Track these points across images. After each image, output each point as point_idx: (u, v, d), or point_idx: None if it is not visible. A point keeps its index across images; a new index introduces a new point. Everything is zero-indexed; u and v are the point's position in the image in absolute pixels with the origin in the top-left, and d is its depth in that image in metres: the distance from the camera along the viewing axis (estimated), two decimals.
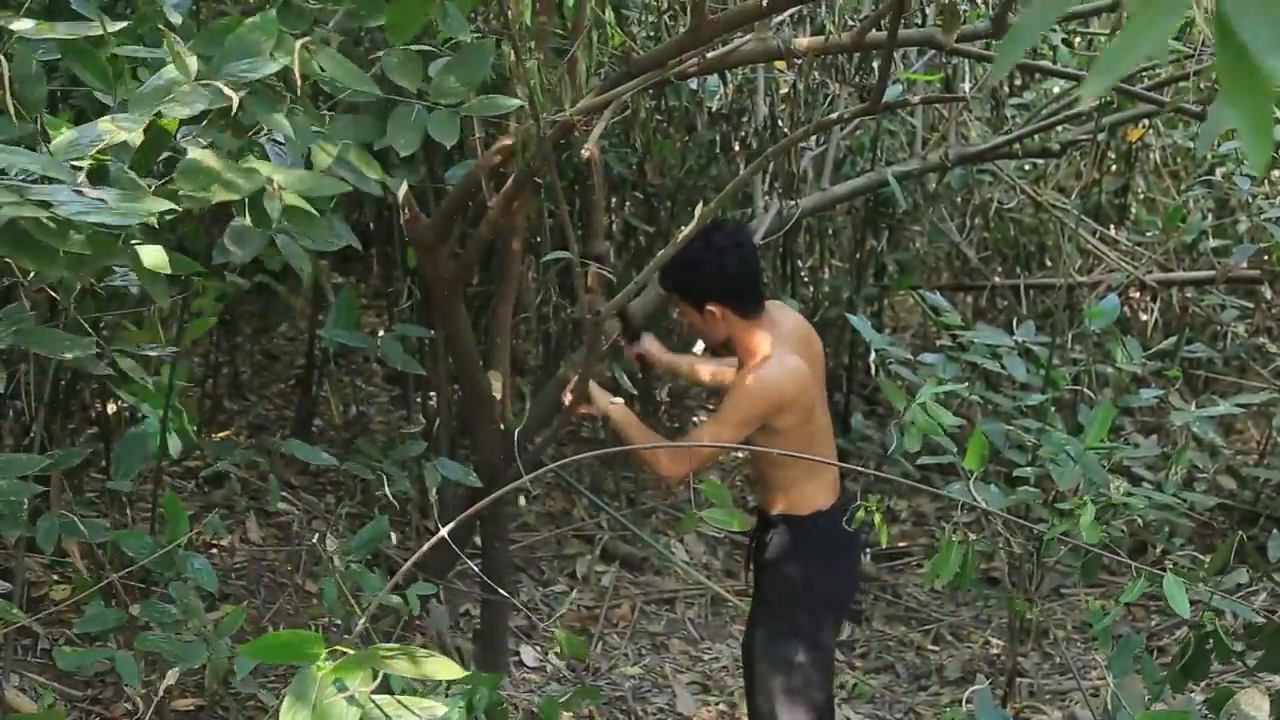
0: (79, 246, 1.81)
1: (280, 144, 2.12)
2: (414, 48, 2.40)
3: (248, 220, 1.90)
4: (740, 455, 3.30)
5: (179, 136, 1.93)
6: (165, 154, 2.02)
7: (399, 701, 1.61)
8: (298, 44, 2.03)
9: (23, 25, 2.05)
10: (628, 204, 5.46)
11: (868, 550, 3.52)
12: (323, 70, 2.12)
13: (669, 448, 3.21)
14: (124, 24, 2.18)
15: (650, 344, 3.55)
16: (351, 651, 1.69)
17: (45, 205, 1.76)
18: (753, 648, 3.31)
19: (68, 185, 1.80)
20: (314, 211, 1.97)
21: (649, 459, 3.19)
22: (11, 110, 1.99)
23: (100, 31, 2.10)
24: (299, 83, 2.02)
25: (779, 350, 3.10)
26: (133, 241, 1.96)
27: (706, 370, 3.51)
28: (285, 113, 2.01)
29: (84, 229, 1.80)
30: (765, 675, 3.24)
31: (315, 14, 2.27)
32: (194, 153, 1.90)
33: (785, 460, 3.12)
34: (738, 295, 3.11)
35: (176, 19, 2.15)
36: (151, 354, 2.86)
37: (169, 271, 2.01)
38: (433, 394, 4.84)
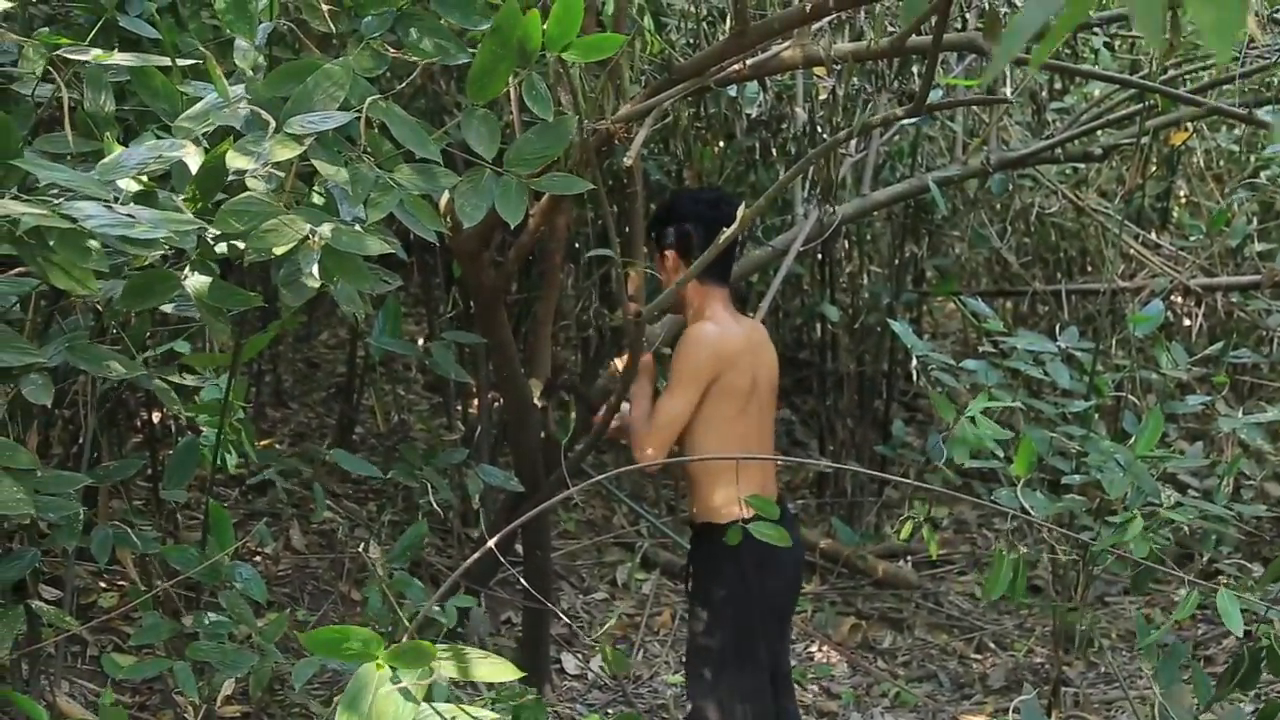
0: (96, 262, 1.81)
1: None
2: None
3: (306, 267, 1.87)
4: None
5: (246, 175, 1.91)
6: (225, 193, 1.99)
7: (455, 708, 1.62)
8: (368, 101, 2.00)
9: (116, 59, 2.06)
10: None
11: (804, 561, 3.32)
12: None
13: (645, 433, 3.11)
14: (191, 62, 2.18)
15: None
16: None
17: (71, 220, 1.76)
18: (686, 659, 3.24)
19: (98, 201, 1.81)
20: (360, 261, 1.95)
21: (632, 442, 3.13)
22: (69, 130, 2.00)
23: (169, 62, 2.11)
24: (363, 135, 2.00)
25: (725, 321, 3.12)
26: (188, 276, 1.96)
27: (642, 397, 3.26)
28: (348, 162, 1.98)
29: (108, 242, 1.80)
30: (695, 689, 3.14)
31: (395, 61, 2.22)
32: (251, 192, 1.89)
33: (705, 460, 3.05)
34: (691, 250, 3.09)
35: (248, 65, 2.11)
36: (202, 383, 2.90)
37: (223, 305, 2.01)
38: (474, 401, 4.86)
